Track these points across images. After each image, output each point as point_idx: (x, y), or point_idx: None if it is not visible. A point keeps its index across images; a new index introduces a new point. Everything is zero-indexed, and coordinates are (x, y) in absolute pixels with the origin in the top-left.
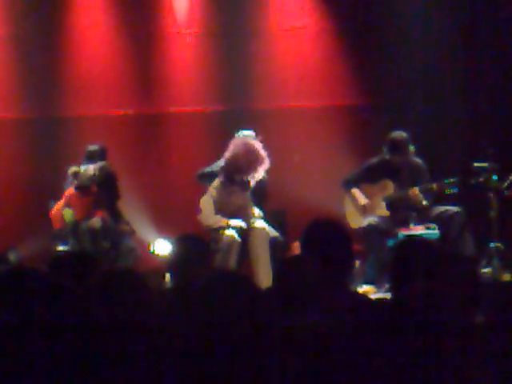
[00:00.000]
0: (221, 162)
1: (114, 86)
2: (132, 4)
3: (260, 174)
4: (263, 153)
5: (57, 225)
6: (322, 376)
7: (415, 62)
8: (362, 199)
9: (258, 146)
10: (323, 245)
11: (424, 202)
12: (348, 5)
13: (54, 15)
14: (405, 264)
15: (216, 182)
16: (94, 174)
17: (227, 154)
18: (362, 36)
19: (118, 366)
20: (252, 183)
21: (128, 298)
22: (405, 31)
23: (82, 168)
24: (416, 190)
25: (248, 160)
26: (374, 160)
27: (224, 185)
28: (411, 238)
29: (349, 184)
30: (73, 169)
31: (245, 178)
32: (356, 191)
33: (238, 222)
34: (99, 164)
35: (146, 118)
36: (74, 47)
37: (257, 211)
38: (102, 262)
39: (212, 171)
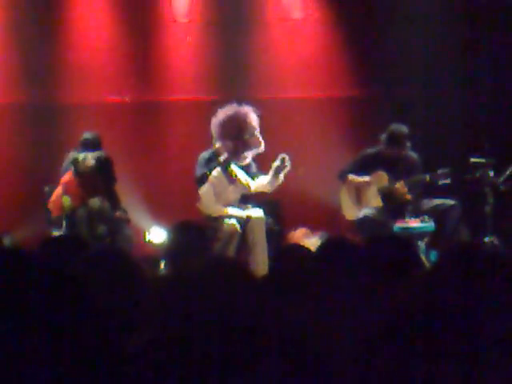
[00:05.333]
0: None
1: (111, 72)
2: None
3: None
4: (246, 110)
5: (55, 212)
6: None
7: (415, 54)
8: (363, 179)
9: (239, 108)
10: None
11: (408, 197)
12: None
13: (52, 3)
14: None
15: (216, 171)
16: (93, 164)
17: (216, 130)
18: (361, 27)
19: (112, 357)
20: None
21: (121, 281)
22: (405, 23)
23: (81, 155)
24: (402, 184)
25: (239, 123)
26: (370, 150)
27: (224, 172)
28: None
29: (344, 174)
30: (72, 154)
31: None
32: (353, 176)
33: (238, 212)
34: (97, 153)
35: (144, 105)
36: (72, 33)
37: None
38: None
39: (211, 167)
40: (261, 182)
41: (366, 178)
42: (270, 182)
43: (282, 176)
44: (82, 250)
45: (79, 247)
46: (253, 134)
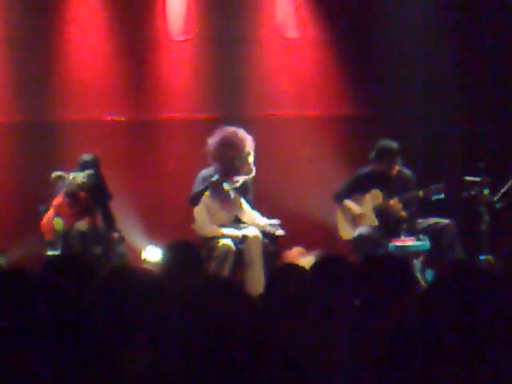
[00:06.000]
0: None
1: (106, 91)
2: (126, 10)
3: (249, 153)
4: (242, 134)
5: (48, 235)
6: None
7: (410, 73)
8: (356, 209)
9: (234, 131)
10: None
11: (403, 213)
12: (342, 14)
13: (48, 20)
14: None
15: (209, 191)
16: (83, 182)
17: (210, 150)
18: (354, 46)
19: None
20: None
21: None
22: (400, 42)
23: (71, 175)
24: (396, 201)
25: (231, 147)
26: (364, 170)
27: (216, 192)
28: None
29: (340, 197)
30: (56, 174)
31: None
32: (348, 202)
33: (232, 232)
34: (87, 172)
35: (138, 124)
36: (67, 52)
37: (258, 216)
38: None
39: (203, 188)
40: (253, 217)
41: (358, 210)
42: (257, 227)
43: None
44: (85, 269)
45: (81, 266)
46: (244, 160)
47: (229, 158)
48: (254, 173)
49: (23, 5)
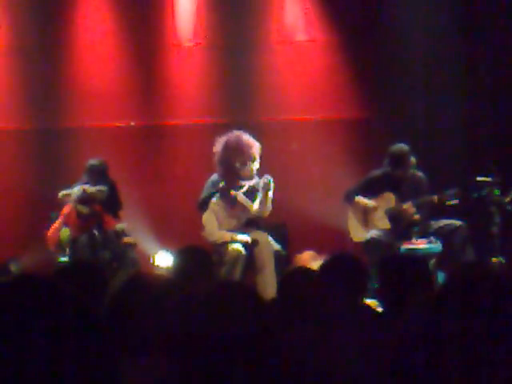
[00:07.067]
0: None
1: (116, 97)
2: (136, 16)
3: (253, 159)
4: (246, 138)
5: (51, 246)
6: None
7: (418, 77)
8: (370, 203)
9: (238, 135)
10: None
11: (416, 217)
12: (350, 18)
13: (57, 26)
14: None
15: (216, 197)
16: (93, 199)
17: (215, 156)
18: (364, 50)
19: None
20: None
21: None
22: (408, 46)
23: (77, 188)
24: (409, 205)
25: (233, 150)
26: (376, 172)
27: (224, 198)
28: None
29: (350, 196)
30: (63, 193)
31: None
32: (360, 198)
33: (242, 237)
34: (97, 188)
35: (148, 129)
36: (77, 58)
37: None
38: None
39: (210, 194)
40: (256, 204)
41: (372, 203)
42: (261, 203)
43: (270, 194)
44: (95, 275)
45: (92, 273)
46: (244, 164)
47: (229, 162)
48: (255, 179)
49: (32, 12)
